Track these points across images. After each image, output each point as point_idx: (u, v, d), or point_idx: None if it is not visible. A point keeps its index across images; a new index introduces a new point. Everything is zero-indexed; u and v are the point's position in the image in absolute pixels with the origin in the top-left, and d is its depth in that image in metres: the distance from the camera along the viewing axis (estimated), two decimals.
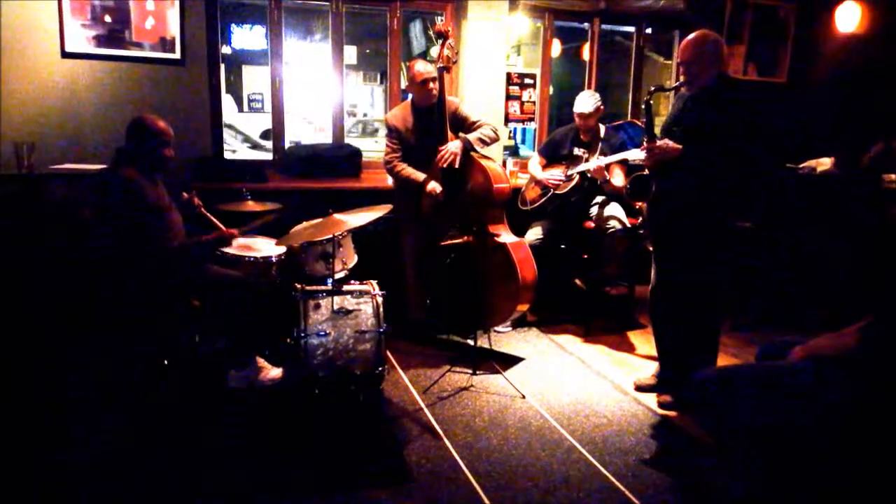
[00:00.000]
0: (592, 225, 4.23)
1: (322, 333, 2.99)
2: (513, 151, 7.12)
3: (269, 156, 5.09)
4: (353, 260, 3.50)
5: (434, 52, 3.95)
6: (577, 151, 4.29)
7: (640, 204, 4.16)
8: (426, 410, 3.15)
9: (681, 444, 2.94)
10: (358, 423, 3.01)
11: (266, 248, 3.46)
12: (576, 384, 3.50)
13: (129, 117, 3.11)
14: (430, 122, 3.81)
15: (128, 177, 2.96)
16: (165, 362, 3.13)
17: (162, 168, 3.11)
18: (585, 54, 5.53)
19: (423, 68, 3.81)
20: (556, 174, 4.25)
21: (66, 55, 4.03)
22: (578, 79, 5.77)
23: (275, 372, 3.31)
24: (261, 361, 3.31)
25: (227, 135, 7.52)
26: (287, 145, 4.96)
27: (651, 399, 3.32)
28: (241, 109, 8.19)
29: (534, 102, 5.30)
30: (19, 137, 3.79)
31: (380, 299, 3.14)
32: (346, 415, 3.05)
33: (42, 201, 3.72)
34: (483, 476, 2.60)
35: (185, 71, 4.28)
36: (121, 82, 4.15)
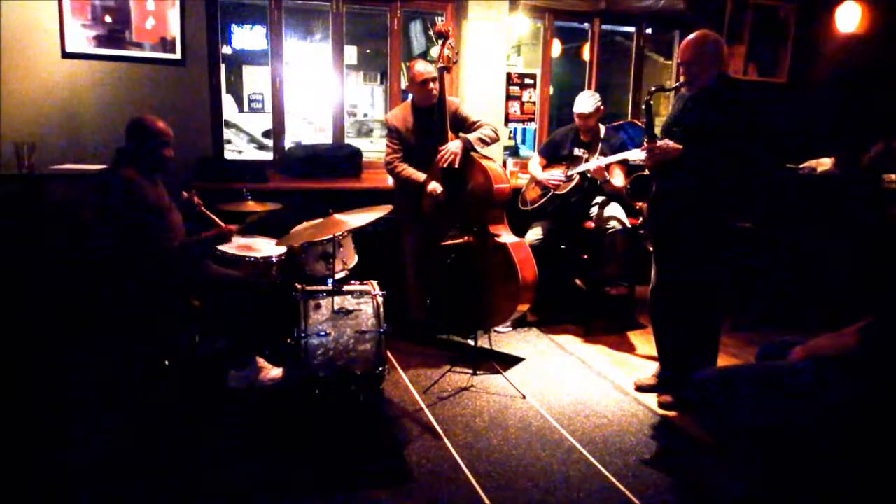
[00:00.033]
0: (592, 225, 4.23)
1: (322, 333, 2.99)
2: (513, 152, 7.12)
3: (270, 155, 5.09)
4: (354, 260, 3.50)
5: (434, 52, 3.95)
6: (577, 152, 4.29)
7: (640, 204, 4.17)
8: (426, 410, 3.15)
9: (681, 444, 2.94)
10: (358, 423, 3.01)
11: (266, 248, 3.46)
12: (576, 384, 3.50)
13: (129, 117, 3.10)
14: (430, 122, 3.81)
15: (128, 177, 2.96)
16: (166, 362, 3.13)
17: (162, 168, 3.11)
18: (586, 54, 5.53)
19: (423, 68, 3.81)
20: (556, 174, 4.25)
21: (66, 55, 4.03)
22: (578, 79, 5.76)
23: (275, 372, 3.31)
24: (261, 361, 3.31)
25: (233, 135, 7.53)
26: (287, 145, 4.97)
27: (651, 399, 3.32)
28: (241, 109, 8.19)
29: (534, 103, 5.30)
30: (20, 137, 3.79)
31: (380, 299, 3.14)
32: (347, 415, 3.05)
33: (42, 201, 3.72)
34: (483, 476, 2.60)
35: (185, 71, 4.28)
36: (121, 82, 4.16)
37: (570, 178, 4.22)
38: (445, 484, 2.55)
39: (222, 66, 4.66)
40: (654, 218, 3.18)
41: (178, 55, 4.24)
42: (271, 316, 3.28)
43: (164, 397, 3.10)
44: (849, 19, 5.22)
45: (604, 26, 5.44)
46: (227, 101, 7.75)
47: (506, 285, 3.66)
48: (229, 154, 6.88)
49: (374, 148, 5.85)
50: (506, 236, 3.74)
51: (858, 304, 2.72)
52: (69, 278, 3.50)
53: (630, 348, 4.09)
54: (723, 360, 3.40)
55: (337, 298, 3.09)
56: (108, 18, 4.09)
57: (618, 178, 4.08)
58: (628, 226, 4.14)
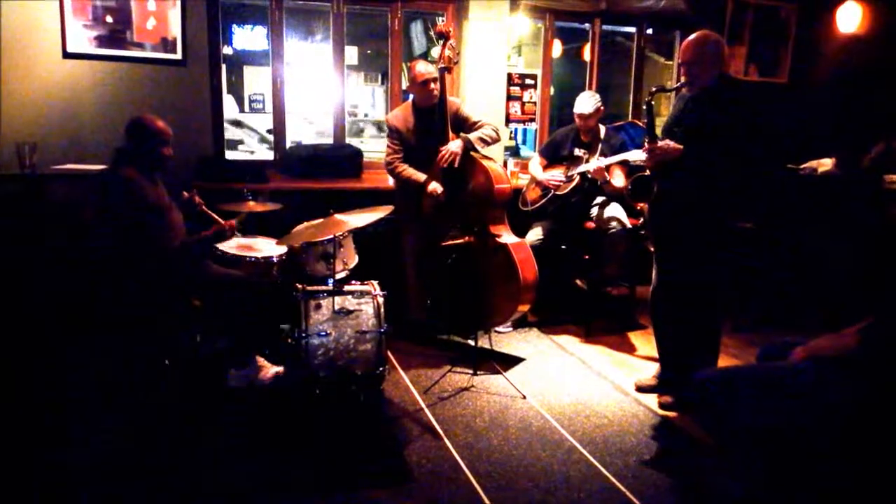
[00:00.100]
0: (593, 225, 4.23)
1: (323, 333, 2.99)
2: (514, 152, 7.11)
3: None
4: (354, 260, 3.50)
5: (435, 52, 3.95)
6: (577, 152, 4.29)
7: (640, 204, 4.16)
8: (427, 410, 3.15)
9: (681, 445, 2.94)
10: (358, 423, 3.00)
11: (267, 248, 3.46)
12: (576, 385, 3.50)
13: (130, 118, 3.11)
14: (431, 122, 3.81)
15: (128, 177, 2.96)
16: (166, 362, 3.13)
17: (161, 167, 3.12)
18: (586, 55, 5.53)
19: (424, 69, 3.81)
20: (556, 175, 4.25)
21: (67, 55, 4.03)
22: (579, 79, 5.76)
23: (275, 371, 3.30)
24: (261, 361, 3.31)
25: (244, 134, 7.53)
26: (288, 145, 4.97)
27: (652, 400, 3.31)
28: (242, 110, 8.18)
29: (535, 103, 5.30)
30: (21, 137, 3.80)
31: (381, 299, 3.14)
32: (347, 415, 3.05)
33: (43, 201, 3.73)
34: (483, 476, 2.60)
35: (186, 71, 4.28)
36: (122, 83, 4.16)
37: (570, 179, 4.22)
38: (445, 484, 2.55)
39: (223, 67, 4.66)
40: (655, 218, 3.18)
41: (179, 55, 4.24)
42: (272, 316, 3.28)
43: (164, 397, 3.10)
44: (849, 19, 5.22)
45: (604, 27, 5.44)
46: (228, 102, 7.73)
47: (506, 285, 3.66)
48: (241, 154, 6.90)
49: (366, 148, 5.88)
50: (506, 236, 3.74)
51: (859, 305, 2.72)
52: (70, 278, 3.50)
53: (630, 349, 4.08)
54: (723, 361, 3.40)
55: (337, 298, 3.09)
56: (109, 18, 4.09)
57: (618, 179, 4.08)
58: (629, 226, 4.14)
